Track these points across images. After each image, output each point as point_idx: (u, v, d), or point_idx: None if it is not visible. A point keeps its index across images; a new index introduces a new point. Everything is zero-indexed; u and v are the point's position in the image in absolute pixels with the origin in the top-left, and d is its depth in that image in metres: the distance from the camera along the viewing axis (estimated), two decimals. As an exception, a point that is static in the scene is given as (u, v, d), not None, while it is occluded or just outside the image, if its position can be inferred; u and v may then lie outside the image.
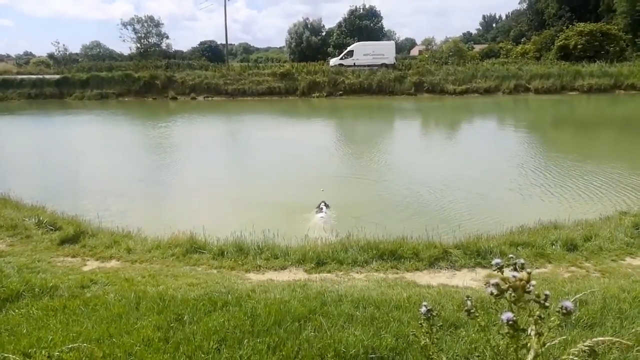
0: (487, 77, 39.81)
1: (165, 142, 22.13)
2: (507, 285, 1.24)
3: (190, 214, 10.74)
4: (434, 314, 1.83)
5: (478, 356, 3.68)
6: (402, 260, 7.39)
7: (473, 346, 3.96)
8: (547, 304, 1.18)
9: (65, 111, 35.80)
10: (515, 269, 1.26)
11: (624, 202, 10.88)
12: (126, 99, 41.71)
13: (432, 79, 40.44)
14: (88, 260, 7.78)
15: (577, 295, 4.06)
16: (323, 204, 10.84)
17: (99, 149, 20.60)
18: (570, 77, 38.74)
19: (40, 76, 45.11)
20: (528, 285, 1.21)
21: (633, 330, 4.22)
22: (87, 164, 17.47)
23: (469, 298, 1.46)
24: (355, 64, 44.26)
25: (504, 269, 1.28)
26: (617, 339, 1.27)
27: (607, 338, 1.32)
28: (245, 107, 36.87)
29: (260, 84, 41.67)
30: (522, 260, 1.27)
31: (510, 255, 1.33)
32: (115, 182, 14.44)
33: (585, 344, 1.32)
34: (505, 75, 39.76)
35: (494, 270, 1.29)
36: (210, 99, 41.23)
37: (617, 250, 7.52)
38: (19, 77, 45.50)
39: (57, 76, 44.66)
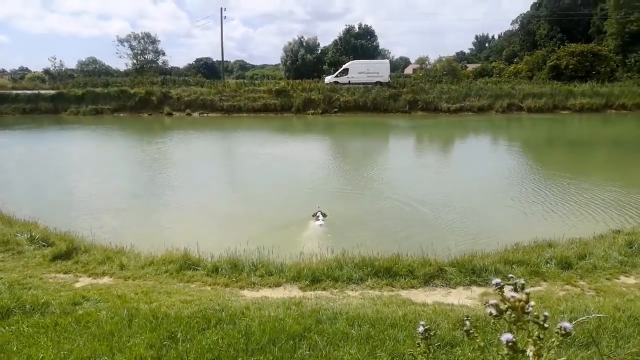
0: (480, 96, 40.26)
1: (160, 158, 22.11)
2: (506, 306, 1.24)
3: (185, 230, 10.68)
4: (432, 333, 1.82)
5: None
6: (398, 277, 7.37)
7: (469, 365, 3.94)
8: (546, 324, 1.19)
9: (60, 126, 35.76)
10: (515, 289, 1.26)
11: (617, 221, 10.95)
12: (121, 115, 41.73)
13: (426, 97, 40.85)
14: (80, 276, 7.69)
15: (580, 319, 4.08)
16: (320, 212, 10.92)
17: (94, 165, 20.53)
18: (563, 97, 39.28)
19: (36, 91, 45.13)
20: (527, 306, 1.21)
21: (629, 350, 4.22)
22: (81, 179, 17.39)
23: (468, 318, 1.46)
24: (350, 81, 44.63)
25: (504, 289, 1.28)
26: None
27: None
28: (240, 123, 36.99)
29: (256, 100, 41.88)
30: (522, 281, 1.28)
31: (510, 275, 1.34)
32: (109, 198, 14.37)
33: None
34: (498, 94, 40.23)
35: (494, 291, 1.30)
36: (205, 115, 41.33)
37: (611, 269, 7.53)
38: (14, 92, 45.48)
39: (53, 91, 44.69)
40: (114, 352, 4.23)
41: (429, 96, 40.87)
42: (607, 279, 7.24)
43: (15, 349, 4.34)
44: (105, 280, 7.57)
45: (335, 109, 40.91)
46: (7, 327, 4.96)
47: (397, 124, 35.40)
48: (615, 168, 18.57)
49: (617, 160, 20.72)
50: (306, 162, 20.22)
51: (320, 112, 40.60)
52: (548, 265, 7.71)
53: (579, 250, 8.27)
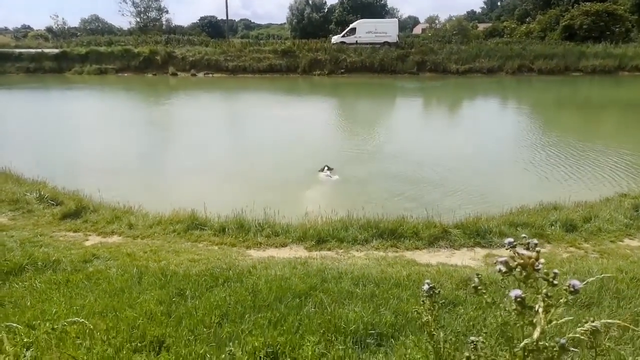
0: (490, 57, 39.37)
1: (167, 119, 22.03)
2: (516, 263, 1.24)
3: (191, 190, 10.75)
4: (436, 291, 1.85)
5: (476, 332, 3.74)
6: (402, 239, 7.44)
7: (471, 323, 4.01)
8: (555, 282, 1.19)
9: (65, 86, 35.53)
10: (527, 249, 1.26)
11: (624, 184, 10.89)
12: (126, 74, 41.33)
13: (435, 58, 40.01)
14: (90, 235, 7.83)
15: (594, 277, 4.12)
16: (326, 167, 11.11)
17: (99, 125, 20.51)
18: (575, 58, 38.33)
19: (39, 50, 44.63)
20: (537, 264, 1.21)
21: (629, 310, 4.28)
22: (87, 140, 17.42)
23: (478, 275, 1.47)
24: (358, 41, 43.69)
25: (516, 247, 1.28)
26: (618, 322, 1.28)
27: (613, 321, 1.33)
28: (246, 84, 36.57)
29: (261, 61, 41.22)
30: (535, 241, 1.28)
31: (523, 235, 1.34)
32: (116, 158, 14.42)
33: (591, 324, 1.33)
34: (508, 55, 39.31)
35: (507, 249, 1.30)
36: (210, 75, 40.85)
37: (616, 232, 7.56)
38: (17, 50, 45.02)
39: (56, 50, 44.17)
40: (125, 308, 4.35)
41: (438, 57, 40.02)
42: (611, 241, 7.28)
43: (29, 304, 4.47)
44: (115, 239, 7.70)
45: (342, 70, 40.24)
46: (20, 283, 5.10)
47: (405, 85, 34.86)
48: (626, 131, 18.32)
49: (628, 123, 20.41)
50: (313, 124, 20.08)
51: (326, 73, 39.97)
52: (553, 227, 7.74)
53: (585, 213, 8.27)
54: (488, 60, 39.16)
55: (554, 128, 19.34)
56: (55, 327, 3.88)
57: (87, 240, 7.59)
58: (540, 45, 42.62)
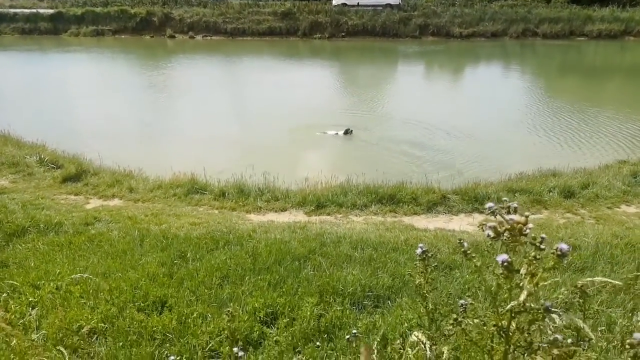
0: (494, 20, 38.45)
1: (166, 84, 21.74)
2: (504, 228, 1.27)
3: (191, 155, 10.74)
4: (430, 255, 1.88)
5: (471, 295, 3.83)
6: (401, 204, 7.50)
7: (466, 286, 4.11)
8: (542, 246, 1.22)
9: (62, 48, 34.90)
10: (508, 212, 1.29)
11: (624, 151, 10.87)
12: (122, 36, 40.48)
13: (438, 21, 39.10)
14: (91, 198, 7.88)
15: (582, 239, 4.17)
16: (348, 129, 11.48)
17: (98, 89, 20.25)
18: (580, 22, 37.48)
19: (34, 10, 43.53)
20: (525, 228, 1.23)
21: (623, 275, 4.36)
22: (86, 103, 17.23)
23: (464, 240, 1.50)
24: (359, 3, 42.59)
25: (499, 213, 1.30)
26: (607, 280, 1.31)
27: (598, 279, 1.36)
28: (245, 47, 35.92)
29: (261, 23, 40.29)
30: (515, 204, 1.30)
31: (505, 199, 1.35)
32: (115, 122, 14.33)
33: (576, 284, 1.37)
34: (513, 19, 38.40)
35: (487, 214, 1.32)
36: (209, 38, 40.00)
37: (613, 198, 7.61)
38: (12, 10, 43.89)
39: (51, 11, 43.04)
40: (127, 269, 4.44)
41: (441, 20, 39.10)
42: (608, 207, 7.34)
43: (32, 264, 4.55)
44: (116, 202, 7.76)
45: (343, 34, 39.39)
46: (23, 245, 5.18)
47: (407, 49, 34.27)
48: (629, 97, 18.13)
49: (632, 89, 20.17)
50: (313, 89, 19.86)
51: (327, 36, 39.15)
52: (550, 193, 7.79)
53: (583, 179, 8.31)
54: (492, 24, 38.28)
55: (557, 94, 19.14)
56: (59, 286, 3.98)
57: (88, 203, 7.65)
58: (545, 8, 41.56)
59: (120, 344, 3.30)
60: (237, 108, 17.08)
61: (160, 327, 3.46)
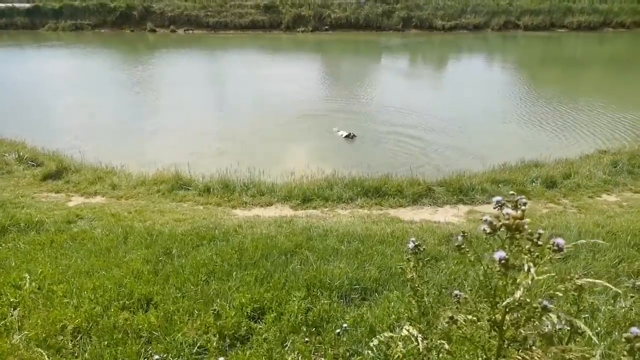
0: (477, 13, 38.73)
1: (148, 79, 21.42)
2: (500, 223, 1.26)
3: (174, 151, 10.62)
4: (421, 249, 1.88)
5: (457, 286, 3.86)
6: (387, 197, 7.52)
7: (452, 277, 4.14)
8: (540, 242, 1.21)
9: (40, 43, 34.13)
10: (516, 207, 1.27)
11: (605, 141, 11.05)
12: (102, 31, 39.75)
13: (421, 14, 39.21)
14: (72, 196, 7.75)
15: (582, 241, 4.23)
16: (351, 133, 11.16)
17: (78, 85, 19.87)
18: (560, 14, 37.95)
19: (10, 4, 42.46)
20: (522, 223, 1.23)
21: (604, 263, 4.44)
22: (66, 100, 16.90)
23: (458, 234, 1.49)
24: (342, -4, 42.50)
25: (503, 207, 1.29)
26: (607, 284, 1.32)
27: (597, 281, 1.37)
28: (227, 41, 35.57)
29: (243, 16, 39.92)
30: (524, 199, 1.28)
31: (511, 193, 1.34)
32: (96, 119, 14.09)
33: (576, 282, 1.37)
34: (495, 11, 38.71)
35: (494, 208, 1.30)
36: (191, 31, 39.52)
37: (594, 188, 7.74)
38: (-14, 5, 42.79)
39: (28, 5, 42.02)
40: (112, 267, 4.37)
41: (424, 13, 39.24)
42: (589, 197, 7.46)
43: (13, 264, 4.46)
44: (98, 199, 7.64)
45: (326, 27, 39.27)
46: (3, 244, 5.07)
47: (390, 42, 34.30)
48: (609, 88, 18.42)
49: (610, 80, 20.50)
50: (298, 83, 19.76)
51: (310, 29, 38.98)
52: (533, 184, 7.89)
53: (565, 169, 8.43)
54: (474, 17, 38.53)
55: (539, 85, 19.35)
56: (42, 286, 3.90)
57: (70, 201, 7.52)
58: (527, 0, 41.96)
59: (106, 342, 3.25)
60: (221, 103, 16.94)
61: (146, 325, 3.42)
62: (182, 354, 3.13)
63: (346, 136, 10.90)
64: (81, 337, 3.35)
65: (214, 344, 3.21)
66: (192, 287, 3.98)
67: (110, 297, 3.80)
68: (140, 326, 3.42)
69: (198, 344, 3.21)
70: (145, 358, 3.11)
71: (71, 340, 3.30)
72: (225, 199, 7.61)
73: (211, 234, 5.29)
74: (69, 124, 13.43)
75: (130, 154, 10.48)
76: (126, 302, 3.75)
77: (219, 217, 6.60)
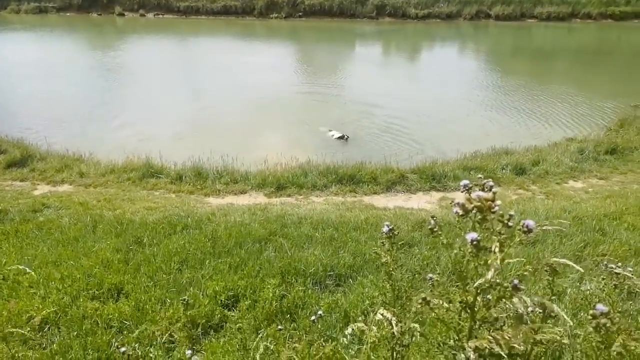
0: (449, 2, 39.03)
1: (116, 65, 20.81)
2: (472, 206, 1.26)
3: (145, 138, 10.39)
4: (395, 233, 1.88)
5: (430, 270, 3.92)
6: (361, 184, 7.56)
7: (425, 262, 4.19)
8: (510, 223, 1.22)
9: (1, 26, 32.73)
10: (483, 190, 1.28)
11: (572, 129, 11.34)
12: (68, 14, 38.40)
13: (395, 2, 39.27)
14: (38, 184, 7.51)
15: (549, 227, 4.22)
16: (345, 135, 10.53)
17: (42, 70, 19.16)
18: (530, 4, 38.60)
19: (-33, -15, 40.53)
20: (493, 205, 1.23)
21: (572, 247, 4.57)
22: (30, 86, 16.28)
23: (434, 218, 1.50)
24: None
25: (471, 191, 1.30)
26: (572, 264, 1.34)
27: (566, 262, 1.39)
28: (199, 27, 34.86)
29: (215, 1, 39.13)
30: (491, 182, 1.30)
31: (479, 176, 1.35)
32: (62, 105, 13.64)
33: (547, 262, 1.40)
34: (467, 1, 39.10)
35: (462, 192, 1.31)
36: (161, 16, 38.56)
37: (561, 174, 7.95)
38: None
39: (-13, -15, 40.27)
40: (80, 257, 4.26)
41: (397, 1, 39.31)
42: (557, 183, 7.67)
43: (-24, 255, 4.29)
44: (65, 187, 7.42)
45: (300, 13, 38.92)
46: (-35, 235, 4.87)
47: (364, 30, 34.26)
48: (576, 78, 18.88)
49: (578, 70, 21.01)
50: (271, 70, 19.56)
51: (284, 16, 38.56)
52: (504, 171, 8.06)
53: (534, 157, 8.63)
54: (447, 6, 38.82)
55: (509, 74, 19.67)
56: (6, 276, 3.77)
57: (36, 189, 7.28)
58: (498, -10, 42.48)
59: (75, 333, 3.17)
60: (193, 89, 16.63)
61: (116, 315, 3.35)
62: (154, 343, 3.08)
63: (339, 137, 10.28)
64: (49, 328, 3.26)
65: (187, 332, 3.17)
66: (164, 276, 3.92)
67: (79, 287, 3.71)
68: (111, 316, 3.35)
69: (170, 333, 3.16)
70: (116, 348, 3.05)
71: (39, 331, 3.21)
72: (198, 187, 7.51)
73: (184, 222, 5.21)
74: (34, 111, 12.96)
75: (99, 141, 10.20)
76: (96, 292, 3.67)
77: (191, 205, 6.51)
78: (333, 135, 10.17)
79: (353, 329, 1.79)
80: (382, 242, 1.91)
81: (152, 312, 3.40)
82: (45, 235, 4.88)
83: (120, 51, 24.22)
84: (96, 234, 4.90)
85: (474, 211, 1.30)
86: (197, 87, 17.05)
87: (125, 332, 3.23)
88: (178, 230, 4.99)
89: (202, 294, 3.63)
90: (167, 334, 3.15)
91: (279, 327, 3.09)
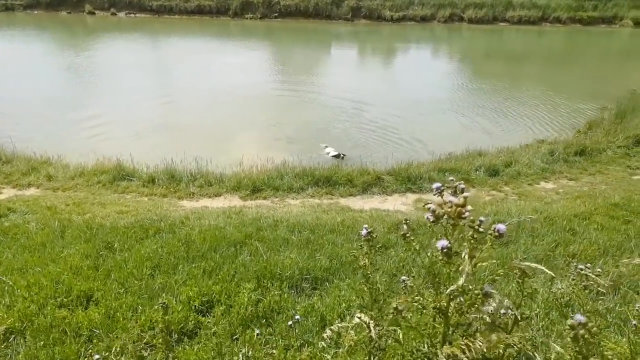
0: (424, 5, 39.56)
1: (87, 65, 20.28)
2: (443, 211, 1.26)
3: (116, 140, 10.16)
4: (374, 235, 1.87)
5: (405, 273, 3.93)
6: (337, 186, 7.55)
7: (401, 264, 4.21)
8: (481, 229, 1.22)
9: (-37, 24, 31.59)
10: (455, 192, 1.29)
11: (543, 131, 11.60)
12: (35, 12, 37.32)
13: (370, 4, 39.54)
14: (4, 188, 7.26)
15: (516, 219, 4.36)
16: (341, 154, 9.99)
17: (8, 70, 18.55)
18: (502, 8, 39.45)
19: None
20: (464, 211, 1.23)
21: (544, 247, 4.66)
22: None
23: (407, 222, 1.49)
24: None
25: (443, 194, 1.30)
26: (543, 269, 1.35)
27: (535, 265, 1.40)
28: (173, 26, 34.36)
29: (189, 1, 38.65)
30: (462, 185, 1.30)
31: (451, 178, 1.35)
32: (29, 106, 13.23)
33: (516, 265, 1.40)
34: (441, 4, 39.67)
35: (434, 195, 1.31)
36: (133, 15, 37.85)
37: (533, 175, 8.12)
38: None
39: (-50, -19, 38.78)
40: (48, 263, 4.12)
41: (373, 3, 39.60)
42: (529, 184, 7.82)
43: None
44: (32, 191, 7.19)
45: (276, 14, 38.79)
46: None
47: (340, 32, 34.39)
48: (547, 80, 19.30)
49: (548, 73, 21.51)
50: (246, 71, 19.41)
51: (259, 16, 38.36)
52: (477, 172, 8.17)
53: (506, 158, 8.78)
54: (422, 8, 39.34)
55: (482, 77, 20.00)
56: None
57: (1, 193, 7.03)
58: (471, -6, 43.26)
59: (42, 343, 3.06)
60: (166, 90, 16.34)
61: (86, 323, 3.24)
62: (125, 351, 2.99)
63: (335, 156, 9.93)
64: (14, 339, 3.14)
65: (160, 339, 3.09)
66: (136, 281, 3.82)
67: (46, 295, 3.58)
68: (80, 324, 3.24)
69: (143, 341, 3.08)
70: (85, 357, 2.95)
71: (3, 342, 3.08)
72: (172, 190, 7.37)
73: (156, 227, 5.10)
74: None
75: (68, 143, 9.93)
76: (64, 299, 3.55)
77: (164, 208, 6.38)
78: (329, 153, 9.74)
79: (330, 332, 1.77)
80: (361, 245, 1.90)
81: (124, 320, 3.30)
82: (11, 241, 4.70)
83: (89, 51, 23.66)
84: (65, 239, 4.74)
85: (445, 217, 1.30)
86: (171, 88, 16.78)
87: (95, 340, 3.13)
88: (150, 234, 4.88)
89: (176, 300, 3.55)
90: (139, 342, 3.06)
91: (257, 331, 3.05)
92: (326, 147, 9.95)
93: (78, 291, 3.62)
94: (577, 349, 1.11)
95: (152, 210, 6.15)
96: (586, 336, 1.10)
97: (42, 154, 8.67)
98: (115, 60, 21.48)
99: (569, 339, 1.13)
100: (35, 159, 8.48)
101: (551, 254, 4.51)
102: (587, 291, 2.31)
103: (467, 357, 1.22)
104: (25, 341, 3.11)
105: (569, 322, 1.13)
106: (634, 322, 1.82)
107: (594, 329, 1.14)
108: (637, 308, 1.94)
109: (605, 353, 1.13)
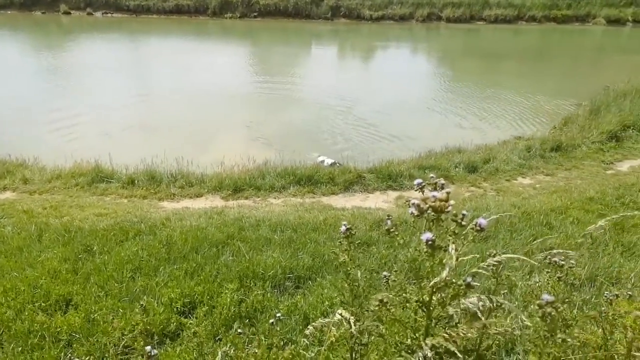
0: (402, 4, 39.86)
1: (62, 65, 19.90)
2: (427, 206, 1.28)
3: (93, 142, 9.99)
4: (353, 232, 1.88)
5: (387, 269, 3.96)
6: (319, 185, 7.56)
7: (383, 261, 4.24)
8: (464, 223, 1.25)
9: None
10: (435, 188, 1.31)
11: (520, 127, 11.80)
12: (9, 12, 36.41)
13: (349, 3, 39.68)
14: (-23, 192, 7.07)
15: (495, 216, 4.42)
16: (333, 161, 9.69)
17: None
18: (479, 7, 39.99)
19: None
20: (447, 205, 1.26)
21: (520, 241, 4.75)
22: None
23: (390, 217, 1.51)
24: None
25: (424, 189, 1.33)
26: (522, 257, 1.39)
27: (515, 256, 1.44)
28: (151, 26, 33.92)
29: (167, 0, 38.25)
30: (442, 181, 1.32)
31: (431, 175, 1.38)
32: (3, 109, 12.91)
33: (495, 259, 1.43)
34: (419, 3, 40.02)
35: (416, 190, 1.33)
36: (109, 15, 37.24)
37: (511, 171, 8.25)
38: None
39: None
40: (25, 268, 4.05)
41: (352, 2, 39.74)
42: (507, 180, 7.95)
43: None
44: (7, 195, 7.03)
45: (255, 13, 38.61)
46: None
47: (320, 31, 34.40)
48: (523, 78, 19.63)
49: (524, 70, 21.87)
50: (225, 70, 19.29)
51: (238, 16, 38.13)
52: (457, 169, 8.28)
53: (485, 155, 8.91)
54: (400, 7, 39.63)
55: (460, 74, 20.26)
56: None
57: (-25, 198, 6.85)
58: (448, -7, 43.73)
59: (19, 349, 3.00)
60: (144, 91, 16.12)
61: (65, 327, 3.20)
62: (106, 355, 2.96)
63: (331, 164, 9.54)
64: (-9, 345, 3.07)
65: (141, 342, 3.06)
66: (116, 284, 3.77)
67: (23, 300, 3.52)
68: (59, 329, 3.20)
69: (123, 344, 3.05)
70: (66, 362, 2.91)
71: (-21, 350, 3.02)
72: (152, 191, 7.29)
73: (136, 228, 5.04)
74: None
75: (44, 146, 9.73)
76: (42, 304, 3.49)
77: (144, 210, 6.31)
78: (324, 162, 9.49)
79: (312, 329, 1.78)
80: (340, 242, 1.91)
81: (104, 323, 3.26)
82: (-14, 246, 4.60)
83: (65, 51, 23.21)
84: (42, 243, 4.66)
85: (429, 211, 1.32)
86: (150, 88, 16.56)
87: (75, 345, 3.09)
88: (130, 236, 4.82)
89: (157, 302, 3.52)
90: (121, 345, 3.03)
91: (239, 330, 3.04)
92: (319, 156, 9.73)
93: (57, 295, 3.57)
94: (546, 327, 1.15)
95: (132, 212, 6.08)
96: (553, 314, 1.14)
97: (17, 157, 8.48)
98: (92, 61, 21.09)
99: (538, 319, 1.16)
100: (10, 161, 8.28)
101: (529, 248, 4.60)
102: (561, 283, 2.37)
103: (452, 346, 1.25)
104: (3, 348, 3.05)
105: (537, 301, 1.17)
106: (603, 308, 1.89)
107: (563, 311, 1.18)
108: (605, 294, 2.01)
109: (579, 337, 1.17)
